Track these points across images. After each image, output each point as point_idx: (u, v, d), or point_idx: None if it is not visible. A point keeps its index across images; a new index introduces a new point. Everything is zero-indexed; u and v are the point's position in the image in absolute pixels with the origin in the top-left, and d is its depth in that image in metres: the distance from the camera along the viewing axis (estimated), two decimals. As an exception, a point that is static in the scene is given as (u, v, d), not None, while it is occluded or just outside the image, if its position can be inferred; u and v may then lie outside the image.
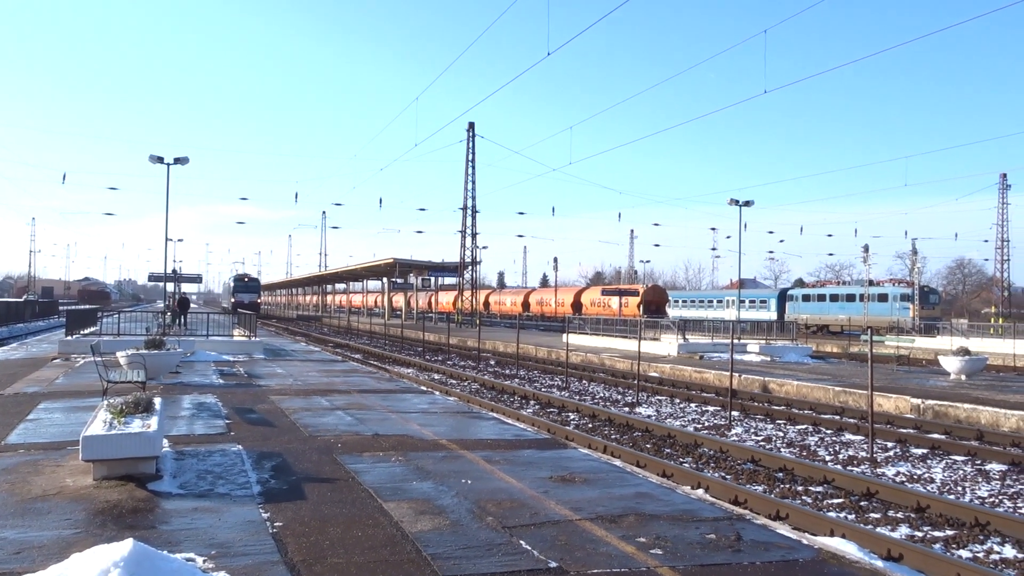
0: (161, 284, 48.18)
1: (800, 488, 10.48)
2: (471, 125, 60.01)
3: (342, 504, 7.22)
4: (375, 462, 9.22)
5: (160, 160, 33.76)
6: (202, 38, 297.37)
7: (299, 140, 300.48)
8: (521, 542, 6.17)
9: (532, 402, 19.58)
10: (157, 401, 9.33)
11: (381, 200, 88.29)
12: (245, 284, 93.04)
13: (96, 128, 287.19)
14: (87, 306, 59.83)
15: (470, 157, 60.13)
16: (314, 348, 34.46)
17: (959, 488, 10.83)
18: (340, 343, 45.17)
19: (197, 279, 64.39)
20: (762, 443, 14.18)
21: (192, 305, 49.86)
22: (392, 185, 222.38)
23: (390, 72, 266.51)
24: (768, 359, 30.93)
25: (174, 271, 54.03)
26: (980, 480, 11.35)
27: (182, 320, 37.39)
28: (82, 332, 28.00)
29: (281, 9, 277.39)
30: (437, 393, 17.54)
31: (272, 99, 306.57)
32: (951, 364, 23.74)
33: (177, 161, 34.01)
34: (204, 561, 5.54)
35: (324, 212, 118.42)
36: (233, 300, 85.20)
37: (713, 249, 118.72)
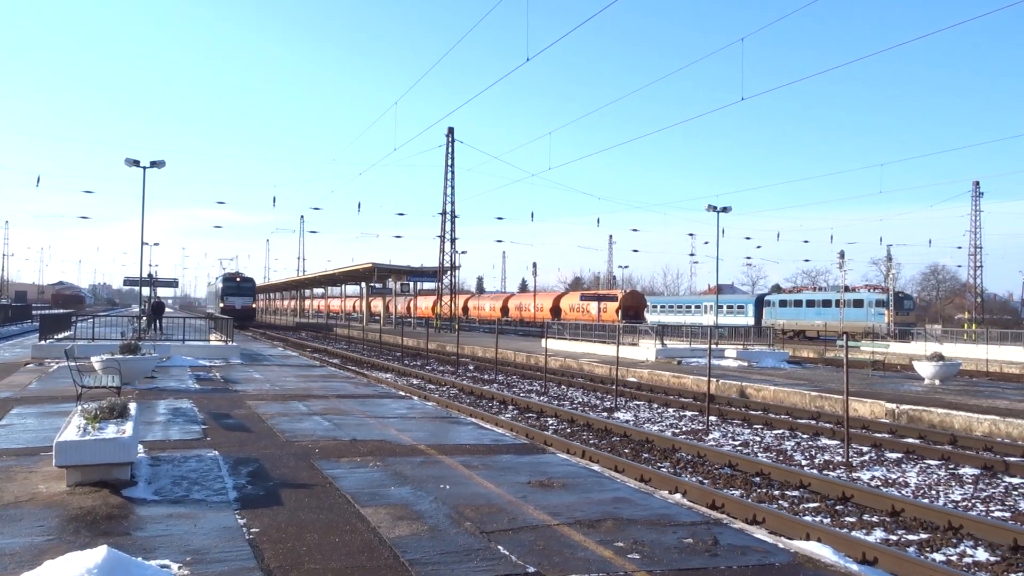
0: (136, 288, 47.74)
1: (777, 492, 10.55)
2: (450, 130, 59.99)
3: (319, 510, 7.18)
4: (353, 467, 9.18)
5: (136, 163, 33.44)
6: (179, 42, 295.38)
7: (277, 144, 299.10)
8: (499, 547, 6.17)
9: (511, 407, 19.57)
10: (132, 406, 9.24)
11: (360, 205, 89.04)
12: (237, 285, 77.48)
13: (71, 131, 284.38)
14: (61, 310, 59.10)
15: (449, 162, 60.10)
16: (291, 353, 34.27)
17: (933, 492, 10.95)
18: (318, 348, 44.94)
19: (173, 283, 64.29)
20: (739, 448, 14.26)
21: (167, 310, 49.43)
22: (371, 190, 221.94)
23: (369, 77, 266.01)
24: (745, 364, 31.12)
25: (150, 275, 53.56)
26: (954, 484, 11.48)
27: (157, 324, 37.03)
28: (56, 337, 27.67)
29: (259, 13, 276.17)
30: (415, 398, 17.49)
31: (250, 103, 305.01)
32: (925, 369, 24.00)
33: (153, 164, 33.71)
34: (179, 568, 5.49)
35: (302, 216, 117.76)
36: (222, 305, 73.03)
37: (691, 255, 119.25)
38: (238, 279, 79.04)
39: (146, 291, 49.59)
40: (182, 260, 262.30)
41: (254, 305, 78.82)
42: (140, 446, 9.49)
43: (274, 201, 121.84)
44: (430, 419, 13.65)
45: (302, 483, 8.27)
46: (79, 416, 8.69)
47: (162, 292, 66.86)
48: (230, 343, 28.25)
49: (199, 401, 14.85)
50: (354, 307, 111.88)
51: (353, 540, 6.27)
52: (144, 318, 36.14)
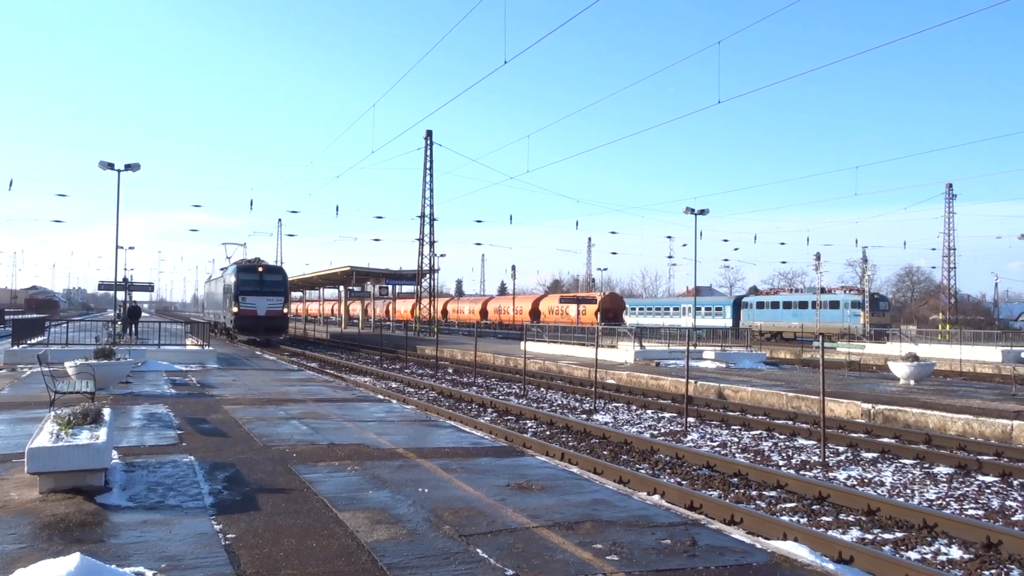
0: (112, 292, 47.25)
1: (754, 493, 10.61)
2: (429, 133, 59.93)
3: (297, 515, 7.13)
4: (331, 472, 9.12)
5: (110, 166, 33.09)
6: (154, 44, 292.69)
7: (254, 147, 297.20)
8: (478, 550, 6.16)
9: (490, 410, 19.55)
10: (106, 412, 9.14)
11: (338, 208, 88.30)
12: (259, 279, 47.27)
13: (44, 134, 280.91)
14: (34, 315, 58.33)
15: (428, 165, 60.02)
16: (269, 357, 34.03)
17: (908, 491, 11.05)
18: (296, 352, 44.67)
19: (149, 287, 63.44)
20: (717, 449, 14.33)
21: (143, 314, 49.10)
22: (349, 193, 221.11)
23: (346, 79, 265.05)
24: (723, 365, 31.29)
25: (125, 279, 53.03)
26: (928, 483, 11.60)
27: (133, 329, 36.66)
28: (29, 342, 27.32)
29: (234, 16, 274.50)
30: (394, 402, 17.43)
31: (226, 105, 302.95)
32: (900, 369, 24.25)
33: (128, 167, 33.38)
34: (154, 574, 5.42)
35: (280, 220, 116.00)
36: (237, 310, 45.83)
37: (669, 257, 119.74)
38: (260, 269, 47.72)
39: (121, 295, 49.15)
40: (158, 264, 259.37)
41: (285, 310, 47.90)
42: (114, 452, 9.38)
43: (251, 204, 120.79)
44: (409, 423, 13.60)
45: (279, 488, 8.21)
46: (52, 422, 8.57)
47: (138, 296, 65.84)
48: (206, 347, 28.01)
49: (175, 406, 14.71)
50: (332, 310, 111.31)
51: (331, 545, 6.23)
52: (119, 323, 35.77)
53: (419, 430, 12.72)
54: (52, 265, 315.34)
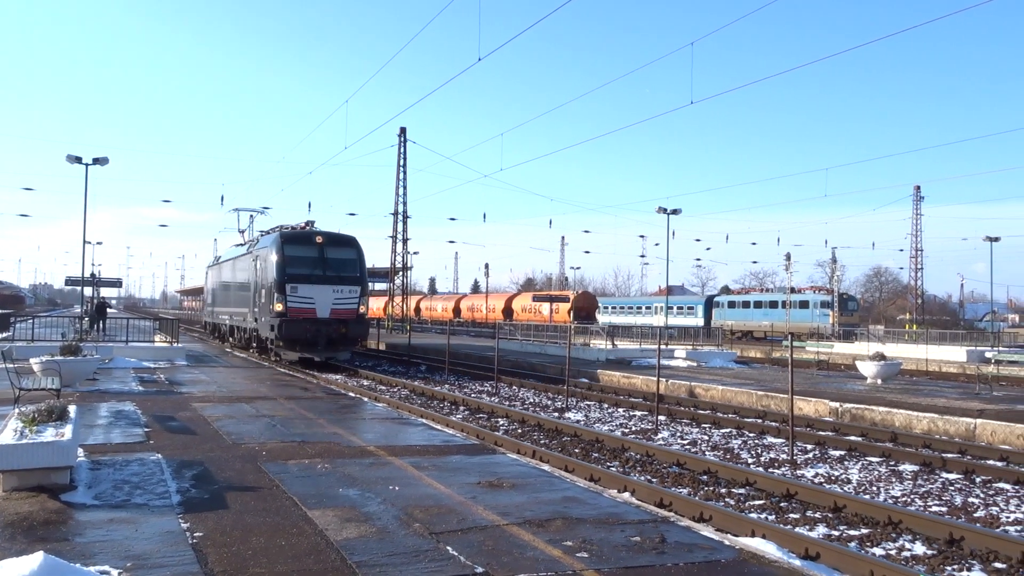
0: (79, 288, 46.60)
1: (724, 490, 10.70)
2: (403, 130, 59.62)
3: (266, 513, 7.08)
4: (301, 469, 9.07)
5: (78, 160, 32.61)
6: (124, 39, 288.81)
7: (225, 141, 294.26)
8: (448, 548, 6.15)
9: (462, 408, 19.54)
10: (72, 409, 9.03)
11: (310, 204, 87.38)
12: (319, 258, 27.71)
13: (10, 126, 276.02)
14: (-1, 311, 57.39)
15: (401, 162, 59.72)
16: (239, 354, 33.71)
17: (874, 488, 11.20)
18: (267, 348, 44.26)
19: (117, 283, 62.51)
20: (688, 447, 14.43)
21: (111, 310, 48.16)
22: (321, 189, 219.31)
23: (319, 74, 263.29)
24: (695, 364, 31.52)
25: (93, 275, 52.33)
26: (894, 480, 11.76)
27: (100, 325, 36.18)
28: (-7, 338, 26.84)
29: (205, 10, 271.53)
30: (366, 399, 17.35)
31: (196, 99, 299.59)
32: (868, 369, 24.58)
33: (96, 161, 32.90)
34: (119, 573, 5.37)
35: (252, 216, 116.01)
36: (282, 309, 26.54)
37: (642, 256, 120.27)
38: (320, 240, 28.52)
39: (89, 291, 48.43)
40: (127, 259, 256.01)
41: (362, 308, 28.49)
42: (80, 450, 9.27)
43: (222, 200, 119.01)
44: (380, 420, 13.56)
45: (248, 486, 8.15)
46: (16, 419, 8.45)
47: (106, 292, 64.89)
48: (175, 344, 27.72)
49: (142, 403, 14.54)
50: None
51: (300, 543, 6.19)
52: (86, 319, 35.29)
53: (390, 428, 12.69)
54: (18, 260, 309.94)
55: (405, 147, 59.75)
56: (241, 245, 36.86)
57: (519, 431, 15.91)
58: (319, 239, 28.33)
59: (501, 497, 7.97)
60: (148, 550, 5.93)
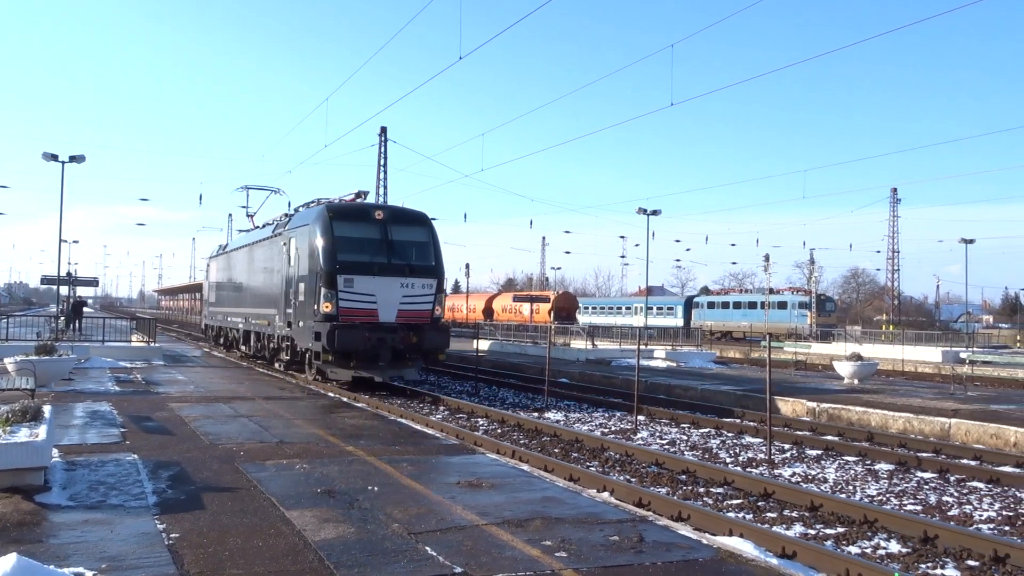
0: (55, 287, 46.08)
1: (702, 490, 10.76)
2: (383, 129, 59.40)
3: (243, 513, 7.04)
4: (279, 470, 9.03)
5: (54, 158, 32.27)
6: (101, 36, 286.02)
7: (204, 140, 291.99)
8: (427, 548, 6.15)
9: (442, 407, 19.51)
10: (47, 409, 8.93)
11: (290, 203, 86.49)
12: (382, 241, 20.34)
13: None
14: (-28, 310, 56.62)
15: (382, 162, 59.53)
16: (217, 354, 33.48)
17: (850, 487, 11.30)
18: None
19: (93, 282, 61.83)
20: (666, 446, 14.49)
21: (87, 309, 47.62)
22: (301, 188, 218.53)
23: (299, 72, 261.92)
24: (674, 364, 31.65)
25: (69, 274, 51.76)
26: (870, 479, 11.87)
27: (76, 325, 35.81)
28: (-34, 337, 26.48)
29: (184, 6, 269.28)
30: (346, 399, 17.29)
31: (175, 97, 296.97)
32: (844, 369, 24.79)
33: (73, 159, 32.59)
34: (94, 575, 5.32)
35: (230, 215, 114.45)
36: (329, 310, 19.23)
37: (622, 257, 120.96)
38: (380, 215, 20.91)
39: (64, 290, 47.94)
40: (103, 258, 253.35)
41: (439, 310, 20.91)
42: (55, 450, 9.17)
43: (200, 198, 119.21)
44: (360, 420, 13.52)
45: (225, 486, 8.10)
46: (-11, 420, 8.34)
47: (82, 291, 64.15)
48: (152, 344, 27.49)
49: (119, 404, 14.41)
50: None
51: (277, 544, 6.16)
52: (62, 318, 34.92)
53: (370, 428, 12.65)
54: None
55: (385, 146, 59.56)
56: (258, 228, 28.90)
57: (499, 431, 15.91)
58: (379, 214, 20.90)
59: (480, 497, 7.97)
60: (123, 551, 5.88)
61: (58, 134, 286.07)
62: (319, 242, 19.85)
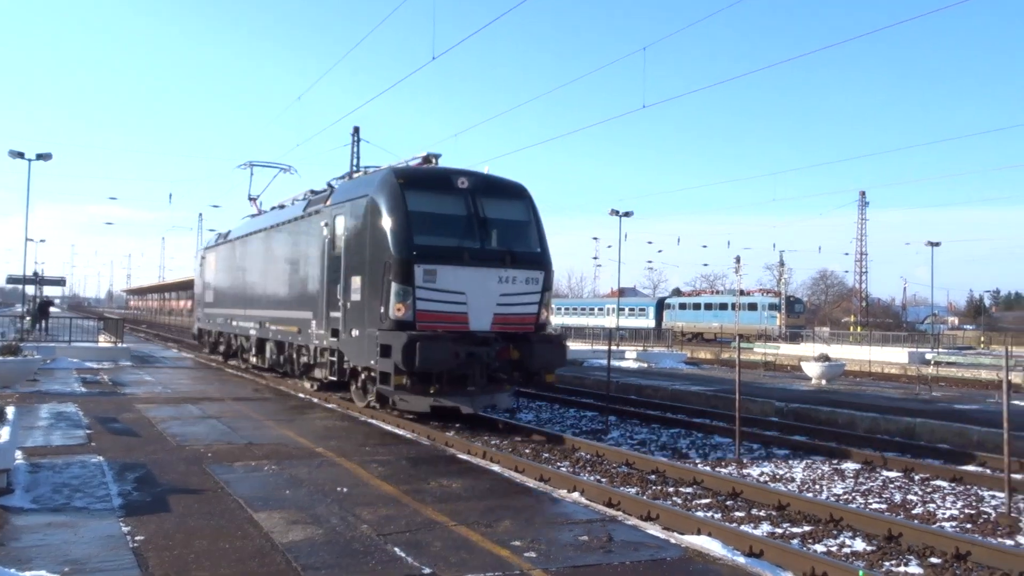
0: (20, 287, 45.37)
1: (671, 489, 10.83)
2: (356, 129, 59.07)
3: (210, 516, 6.98)
4: (247, 471, 8.96)
5: (20, 155, 31.79)
6: (69, 32, 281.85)
7: (174, 138, 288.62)
8: (396, 549, 6.13)
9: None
10: (10, 410, 8.80)
11: (261, 203, 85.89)
12: (471, 218, 14.90)
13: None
14: (-66, 310, 55.59)
15: (355, 162, 59.25)
16: (186, 355, 33.13)
17: (817, 486, 11.43)
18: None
19: (60, 282, 61.02)
20: (637, 446, 14.56)
21: (53, 309, 46.93)
22: (273, 188, 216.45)
23: (271, 71, 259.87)
24: (645, 365, 31.83)
25: (35, 273, 51.00)
26: (836, 478, 12.02)
27: (42, 325, 35.28)
28: (-73, 338, 25.99)
29: (155, 4, 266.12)
30: (316, 400, 17.18)
31: (145, 95, 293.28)
32: (812, 369, 25.08)
33: (40, 157, 32.13)
34: (56, 579, 5.25)
35: (200, 214, 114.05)
36: (402, 313, 13.87)
37: (595, 258, 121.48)
38: (463, 183, 15.14)
39: (31, 290, 47.21)
40: (71, 258, 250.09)
41: (545, 313, 15.49)
42: (18, 452, 9.01)
43: (170, 197, 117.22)
44: (330, 421, 13.44)
45: (192, 488, 8.02)
46: (-51, 421, 8.20)
47: (49, 291, 63.13)
48: (120, 344, 27.15)
49: (84, 405, 14.21)
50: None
51: (244, 546, 6.12)
52: (28, 318, 34.39)
53: (341, 429, 12.59)
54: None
55: (359, 146, 59.29)
56: (277, 210, 22.43)
57: (470, 432, 15.90)
58: (463, 182, 15.14)
59: (450, 497, 7.97)
60: (87, 554, 5.80)
61: (24, 131, 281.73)
62: (386, 220, 14.32)
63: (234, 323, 24.77)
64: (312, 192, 19.79)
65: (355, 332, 15.08)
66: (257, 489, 8.06)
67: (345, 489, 8.15)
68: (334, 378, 16.40)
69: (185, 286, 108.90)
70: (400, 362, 13.35)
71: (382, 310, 14.05)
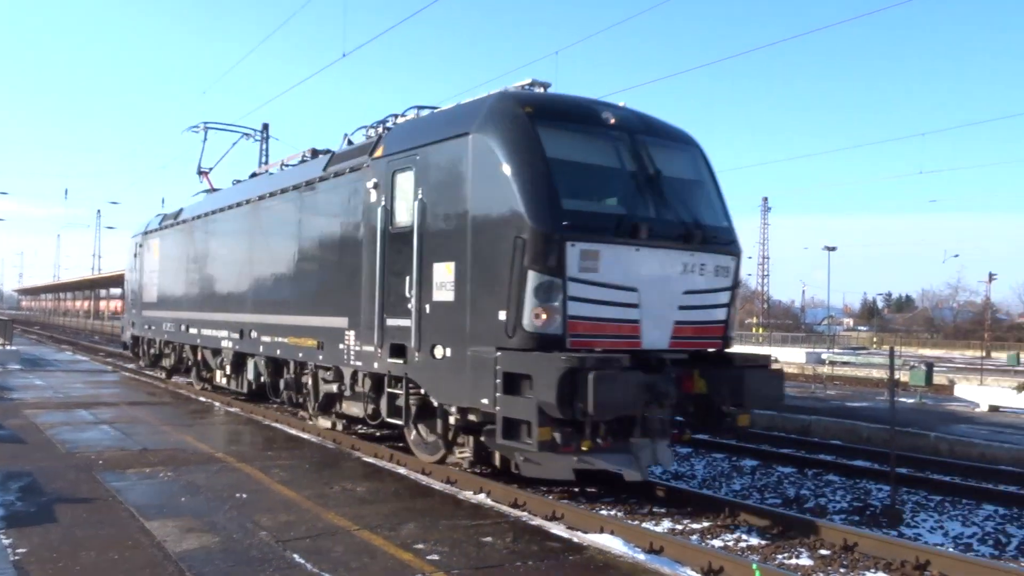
0: None
1: (576, 489, 10.95)
2: (265, 126, 57.50)
3: (99, 525, 6.70)
4: (141, 479, 8.65)
5: None
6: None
7: (70, 132, 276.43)
8: (295, 556, 6.02)
9: (320, 412, 19.08)
10: None
11: (164, 200, 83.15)
12: (635, 171, 9.27)
13: None
14: None
15: (263, 160, 57.91)
16: (82, 357, 31.75)
17: (717, 483, 11.77)
18: (114, 352, 41.87)
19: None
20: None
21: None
22: (175, 185, 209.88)
23: (175, 63, 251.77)
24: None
25: (-87, 271, 47.98)
26: (735, 475, 12.39)
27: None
28: None
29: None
30: (218, 404, 16.71)
31: (40, 87, 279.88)
32: (716, 369, 25.75)
33: (-82, 148, 30.13)
34: (-74, 597, 4.95)
35: (99, 211, 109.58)
36: (545, 318, 8.19)
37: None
38: (611, 120, 9.48)
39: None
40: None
41: (733, 324, 10.13)
42: None
43: (66, 193, 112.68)
44: (233, 425, 13.11)
45: (81, 497, 7.69)
46: None
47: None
48: (8, 347, 25.81)
49: (-34, 411, 13.46)
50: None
51: (135, 556, 5.90)
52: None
53: (243, 433, 12.29)
54: None
55: (267, 144, 57.92)
56: (263, 175, 16.98)
57: (378, 435, 15.73)
58: (612, 119, 9.73)
59: (354, 502, 7.87)
60: (-38, 570, 5.50)
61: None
62: (508, 171, 8.86)
63: (192, 330, 18.65)
64: (314, 151, 14.19)
65: (444, 351, 9.54)
66: (151, 497, 7.79)
67: (244, 495, 7.95)
68: (396, 420, 10.90)
69: (83, 286, 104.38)
70: (553, 405, 7.84)
71: (505, 316, 8.58)
